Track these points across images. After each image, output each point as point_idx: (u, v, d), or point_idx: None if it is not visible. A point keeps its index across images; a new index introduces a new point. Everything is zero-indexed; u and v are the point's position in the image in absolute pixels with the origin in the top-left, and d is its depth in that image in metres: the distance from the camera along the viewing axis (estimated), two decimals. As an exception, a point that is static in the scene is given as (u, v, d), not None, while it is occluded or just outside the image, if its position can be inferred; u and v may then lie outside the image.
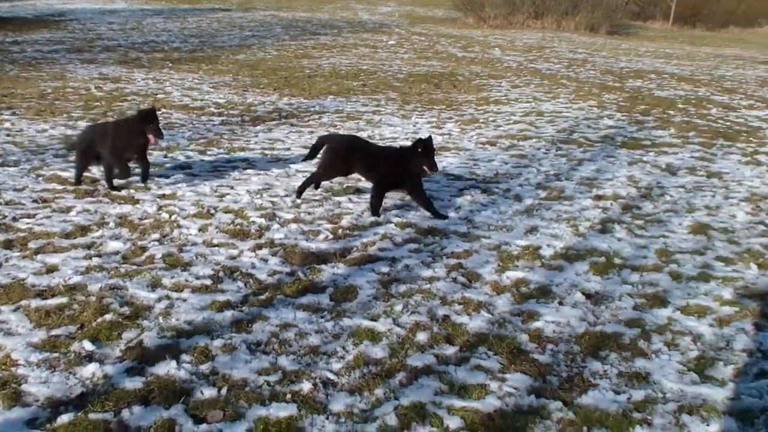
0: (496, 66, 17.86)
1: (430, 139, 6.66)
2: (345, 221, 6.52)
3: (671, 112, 13.18)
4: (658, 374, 4.32)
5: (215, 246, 5.84)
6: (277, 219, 6.51)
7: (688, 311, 5.19)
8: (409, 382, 4.05)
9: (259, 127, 10.25)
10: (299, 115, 11.18)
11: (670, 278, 5.72)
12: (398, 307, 4.89)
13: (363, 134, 9.88)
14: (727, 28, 47.18)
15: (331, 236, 6.11)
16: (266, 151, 8.96)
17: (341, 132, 9.89)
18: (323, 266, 5.53)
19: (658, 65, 20.78)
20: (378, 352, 4.33)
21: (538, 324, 4.81)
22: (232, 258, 5.61)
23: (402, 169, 6.74)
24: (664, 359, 4.51)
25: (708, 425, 3.86)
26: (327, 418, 3.71)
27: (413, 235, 6.25)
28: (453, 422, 3.72)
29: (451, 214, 6.86)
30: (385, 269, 5.52)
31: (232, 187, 7.39)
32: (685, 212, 7.43)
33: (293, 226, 6.34)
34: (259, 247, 5.83)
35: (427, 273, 5.50)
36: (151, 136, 6.98)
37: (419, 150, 6.57)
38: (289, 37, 22.56)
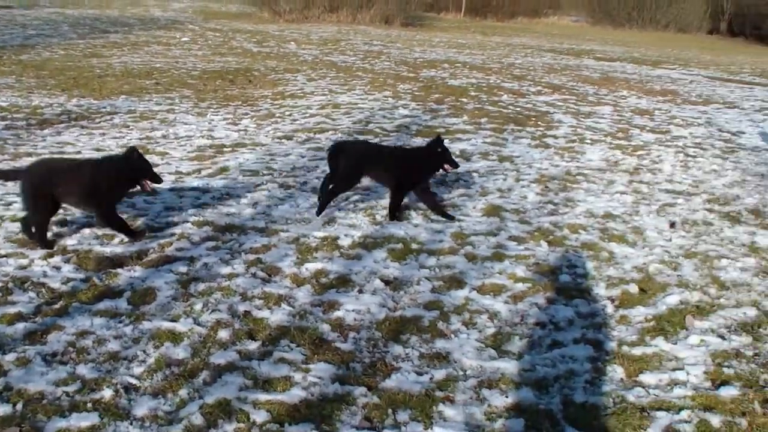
0: (291, 60, 17.91)
1: (441, 138, 6.93)
2: (140, 222, 6.36)
3: (464, 99, 13.73)
4: (457, 353, 4.51)
5: (3, 257, 5.53)
6: (69, 225, 6.26)
7: (484, 290, 5.43)
8: (213, 381, 4.02)
9: (47, 131, 9.73)
10: (90, 117, 10.73)
11: (466, 260, 5.97)
12: (198, 306, 4.83)
13: (157, 133, 9.66)
14: (515, 18, 49.65)
15: (126, 239, 5.94)
16: (55, 155, 8.56)
17: (133, 133, 9.62)
18: (119, 270, 5.37)
19: (450, 55, 21.57)
20: (180, 352, 4.27)
21: (339, 313, 4.89)
22: (22, 268, 5.34)
23: (420, 170, 6.83)
24: (463, 338, 4.71)
25: (507, 397, 4.07)
26: (131, 424, 3.62)
27: (211, 233, 6.17)
28: (259, 416, 3.73)
29: (249, 210, 6.81)
30: (183, 269, 5.42)
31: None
32: (478, 196, 7.76)
33: (86, 231, 6.11)
34: (51, 255, 5.58)
35: (226, 270, 5.45)
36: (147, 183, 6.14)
37: (438, 150, 6.78)
38: (77, 35, 21.59)
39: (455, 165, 6.94)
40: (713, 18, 56.38)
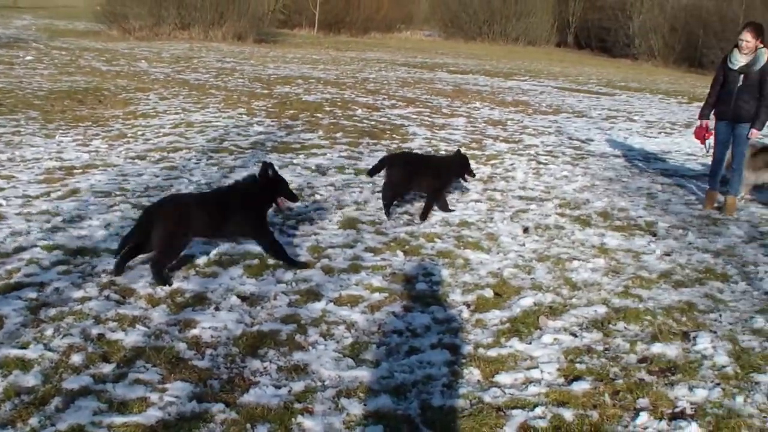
0: (143, 79, 17.53)
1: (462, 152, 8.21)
2: (-15, 249, 6.12)
3: (319, 115, 13.82)
4: (315, 364, 4.56)
5: None
6: None
7: (341, 302, 5.52)
8: (65, 407, 3.91)
9: None
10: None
11: (323, 273, 6.03)
12: (49, 332, 4.68)
13: (2, 156, 9.28)
14: (369, 33, 50.14)
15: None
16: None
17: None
18: (-38, 300, 5.15)
19: (305, 71, 21.65)
20: (30, 380, 4.13)
21: (195, 331, 4.86)
22: None
23: (450, 177, 8.05)
24: (320, 349, 4.76)
25: (365, 405, 4.14)
26: (-22, 458, 3.50)
27: (62, 257, 5.99)
28: (115, 440, 3.68)
29: (101, 232, 6.63)
30: (32, 295, 5.24)
31: None
32: (335, 209, 7.84)
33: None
34: None
35: (78, 294, 5.31)
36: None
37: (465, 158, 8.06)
38: None
39: (472, 174, 8.16)
40: (560, 31, 58.95)
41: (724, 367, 4.78)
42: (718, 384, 4.55)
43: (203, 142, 10.70)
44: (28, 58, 20.59)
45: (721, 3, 41.16)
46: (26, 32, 29.99)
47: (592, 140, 13.46)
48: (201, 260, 6.09)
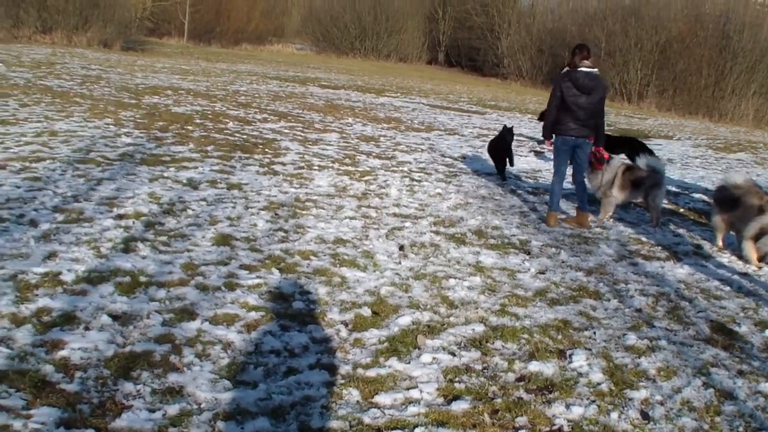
0: (1, 83, 16.72)
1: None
2: None
3: (189, 127, 13.52)
4: (191, 386, 4.41)
5: None
6: None
7: (216, 321, 5.36)
8: None
9: None
10: None
11: (198, 290, 5.86)
12: None
13: None
14: (240, 45, 49.85)
15: None
16: None
17: None
18: None
19: (174, 81, 21.18)
20: None
21: (64, 352, 4.61)
22: None
23: None
24: (196, 371, 4.61)
25: (242, 428, 4.04)
26: None
27: None
28: (-28, 473, 3.43)
29: (-41, 245, 6.26)
30: None
31: None
32: (208, 225, 7.64)
33: None
34: None
35: (-68, 313, 4.97)
36: None
37: None
38: None
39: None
40: (431, 49, 60.35)
41: (599, 384, 4.92)
42: (594, 401, 4.67)
43: (68, 152, 10.24)
44: None
45: (584, 27, 43.00)
46: None
47: (464, 158, 13.70)
48: (69, 276, 5.79)
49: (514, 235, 8.54)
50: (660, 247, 8.80)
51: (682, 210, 11.19)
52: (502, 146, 11.87)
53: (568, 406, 4.57)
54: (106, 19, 31.86)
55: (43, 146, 10.41)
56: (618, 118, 28.53)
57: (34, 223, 6.97)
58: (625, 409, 4.62)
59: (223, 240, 7.20)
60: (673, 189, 12.86)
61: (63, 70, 20.63)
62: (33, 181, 8.53)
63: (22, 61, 21.83)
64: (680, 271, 7.87)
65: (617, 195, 9.58)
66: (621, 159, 9.67)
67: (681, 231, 9.77)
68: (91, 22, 31.41)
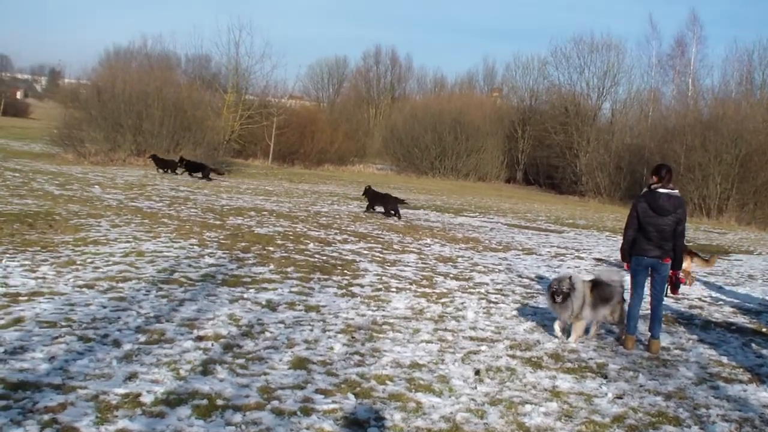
0: (95, 204, 17.46)
1: None
2: None
3: (271, 248, 13.80)
4: None
5: None
6: None
7: (292, 446, 5.37)
8: None
9: None
10: None
11: (274, 415, 5.88)
12: (-16, 475, 4.48)
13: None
14: (323, 165, 51.05)
15: None
16: None
17: None
18: None
19: (258, 202, 21.78)
20: None
21: (139, 477, 4.68)
22: None
23: None
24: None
25: None
26: None
27: (1, 391, 5.78)
28: None
29: (44, 365, 6.42)
30: (-33, 433, 5.04)
31: None
32: (285, 347, 7.70)
33: None
34: None
35: (17, 432, 5.12)
36: None
37: None
38: None
39: None
40: (510, 168, 60.91)
41: None
42: None
43: (153, 272, 10.57)
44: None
45: (663, 143, 42.87)
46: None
47: (541, 278, 13.61)
48: (148, 398, 5.91)
49: (591, 359, 8.39)
50: (742, 369, 8.51)
51: (764, 329, 10.81)
52: None
53: None
54: (196, 141, 33.24)
55: (130, 266, 10.77)
56: (697, 233, 28.10)
57: (117, 344, 7.16)
58: None
59: (300, 363, 7.24)
60: (755, 307, 12.47)
61: (153, 192, 21.45)
62: (118, 301, 8.81)
63: (116, 183, 22.82)
64: (764, 395, 7.57)
65: (589, 313, 9.13)
66: (583, 279, 9.33)
67: (764, 351, 9.43)
68: (182, 145, 32.76)
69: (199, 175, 28.48)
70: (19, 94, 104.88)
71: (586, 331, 9.25)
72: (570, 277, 8.97)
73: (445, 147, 55.73)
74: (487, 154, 57.43)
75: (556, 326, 9.14)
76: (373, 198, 22.55)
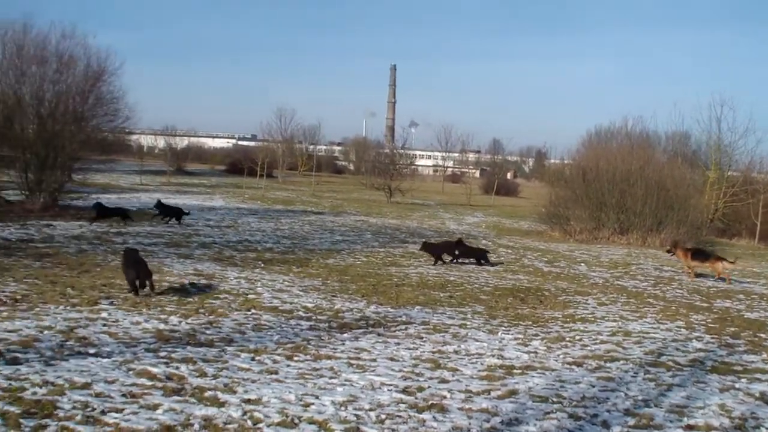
0: (582, 282, 17.88)
1: None
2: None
3: (762, 335, 12.82)
4: None
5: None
6: (362, 435, 6.48)
7: None
8: None
9: (346, 335, 10.37)
10: (386, 324, 11.31)
11: None
12: None
13: (449, 348, 9.90)
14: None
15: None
16: (352, 361, 8.98)
17: (426, 345, 9.96)
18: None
19: (746, 285, 20.47)
20: None
21: None
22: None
23: None
24: None
25: None
26: None
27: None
28: None
29: (538, 438, 6.68)
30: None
31: (317, 397, 7.41)
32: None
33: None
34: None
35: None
36: None
37: None
38: (378, 243, 23.25)
39: None
40: None
41: None
42: None
43: (640, 353, 10.44)
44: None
45: None
46: (476, 229, 32.55)
47: None
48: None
49: None
50: None
51: None
52: None
53: None
54: (679, 220, 32.44)
55: (617, 346, 10.78)
56: None
57: (606, 425, 7.18)
58: None
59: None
60: None
61: (637, 271, 21.32)
62: (607, 381, 8.84)
63: (600, 261, 23.13)
64: None
65: None
66: None
67: None
68: (665, 224, 32.23)
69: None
70: (509, 175, 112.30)
71: None
72: None
73: None
74: None
75: None
76: None
